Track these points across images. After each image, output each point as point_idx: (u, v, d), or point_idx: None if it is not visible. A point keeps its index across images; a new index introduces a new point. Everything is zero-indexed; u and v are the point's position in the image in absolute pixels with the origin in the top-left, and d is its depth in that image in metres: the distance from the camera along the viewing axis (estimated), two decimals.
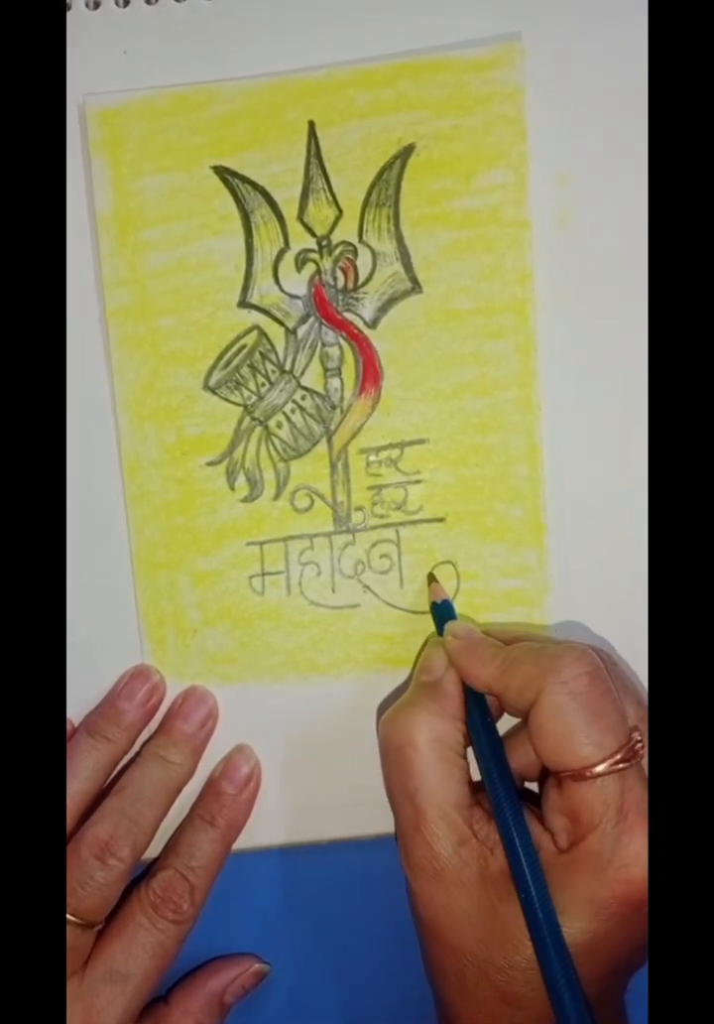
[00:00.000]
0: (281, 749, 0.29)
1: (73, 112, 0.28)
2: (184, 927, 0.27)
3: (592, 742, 0.24)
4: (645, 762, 0.24)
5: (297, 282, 0.29)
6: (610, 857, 0.23)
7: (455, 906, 0.24)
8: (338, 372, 0.29)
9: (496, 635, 0.27)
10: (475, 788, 0.26)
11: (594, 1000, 0.24)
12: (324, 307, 0.29)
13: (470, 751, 0.26)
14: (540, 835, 0.25)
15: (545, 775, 0.26)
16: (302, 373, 0.29)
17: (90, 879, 0.26)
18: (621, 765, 0.24)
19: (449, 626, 0.27)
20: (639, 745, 0.24)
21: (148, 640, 0.29)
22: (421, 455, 0.29)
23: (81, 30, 0.28)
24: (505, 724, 0.27)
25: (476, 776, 0.26)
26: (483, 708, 0.26)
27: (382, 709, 0.29)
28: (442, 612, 0.28)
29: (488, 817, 0.25)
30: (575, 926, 0.23)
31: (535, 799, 0.26)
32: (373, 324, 0.29)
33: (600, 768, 0.24)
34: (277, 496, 0.29)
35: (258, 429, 0.29)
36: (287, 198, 0.29)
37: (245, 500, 0.29)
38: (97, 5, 0.28)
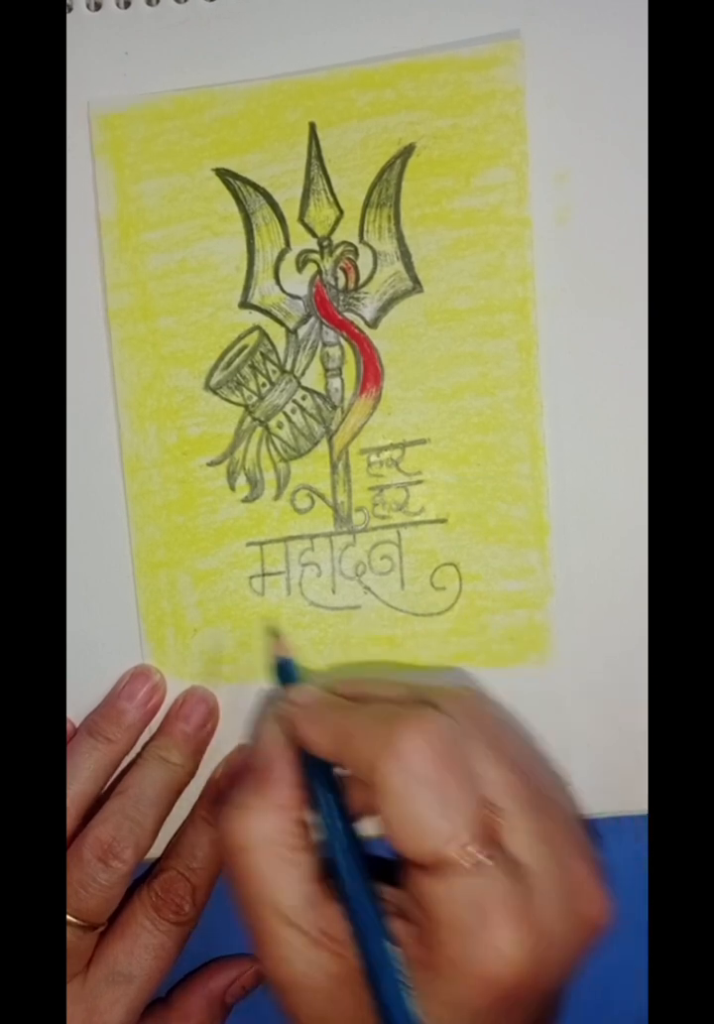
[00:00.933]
0: None
1: (73, 113, 0.28)
2: (186, 928, 0.27)
3: (441, 831, 0.21)
4: (516, 835, 0.22)
5: (298, 282, 0.29)
6: (473, 961, 0.21)
7: (310, 1009, 0.23)
8: (339, 372, 0.29)
9: (344, 690, 0.25)
10: (327, 882, 0.23)
11: None
12: (325, 307, 0.29)
13: None
14: (400, 929, 0.22)
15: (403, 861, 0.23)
16: (303, 373, 0.29)
17: (93, 881, 0.26)
18: (477, 855, 0.21)
19: (289, 692, 0.25)
20: (497, 822, 0.22)
21: (148, 640, 0.29)
22: (422, 455, 0.29)
23: (82, 32, 0.28)
24: None
25: None
26: (328, 786, 0.23)
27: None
28: (283, 671, 0.26)
29: (342, 915, 0.23)
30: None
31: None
32: (374, 324, 0.29)
33: (452, 857, 0.21)
34: (278, 496, 0.29)
35: (259, 429, 0.29)
36: (288, 199, 0.29)
37: (246, 500, 0.29)
38: (98, 7, 0.28)
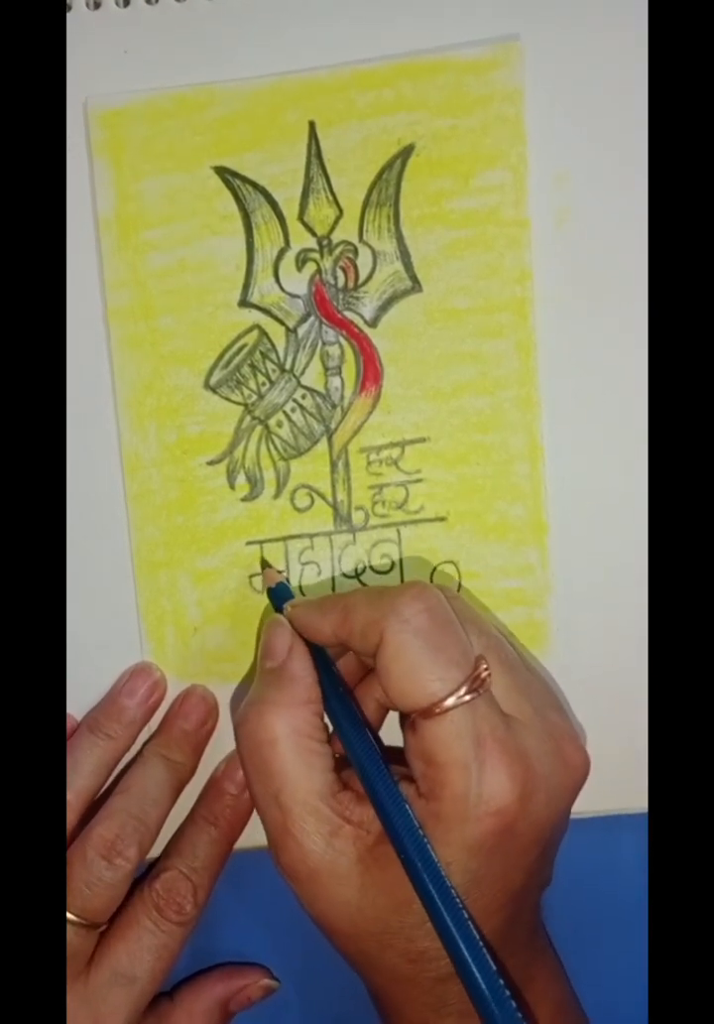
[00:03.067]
0: None
1: (72, 111, 0.28)
2: (187, 928, 0.27)
3: (437, 677, 0.23)
4: (499, 690, 0.24)
5: (298, 281, 0.29)
6: (476, 794, 0.23)
7: (338, 898, 0.24)
8: (338, 371, 0.29)
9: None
10: (342, 769, 0.25)
11: (500, 931, 0.24)
12: (324, 306, 0.29)
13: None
14: (406, 788, 0.24)
15: (403, 722, 0.25)
16: (302, 372, 0.29)
17: (97, 879, 0.26)
18: (468, 696, 0.23)
19: (290, 603, 0.27)
20: (486, 673, 0.24)
21: (148, 638, 0.29)
22: (422, 454, 0.29)
23: (82, 30, 0.28)
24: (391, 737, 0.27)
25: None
26: (330, 672, 0.26)
27: (235, 705, 0.28)
28: (280, 594, 0.28)
29: (359, 798, 0.25)
30: (456, 870, 0.23)
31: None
32: (373, 323, 0.29)
33: (449, 702, 0.23)
34: (277, 495, 0.29)
35: (258, 428, 0.29)
36: (288, 198, 0.29)
37: (245, 499, 0.29)
38: (98, 5, 0.28)
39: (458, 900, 0.23)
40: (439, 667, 0.23)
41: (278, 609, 0.28)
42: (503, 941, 0.24)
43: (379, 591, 0.25)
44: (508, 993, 0.22)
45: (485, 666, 0.24)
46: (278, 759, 0.24)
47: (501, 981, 0.22)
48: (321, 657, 0.26)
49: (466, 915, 0.23)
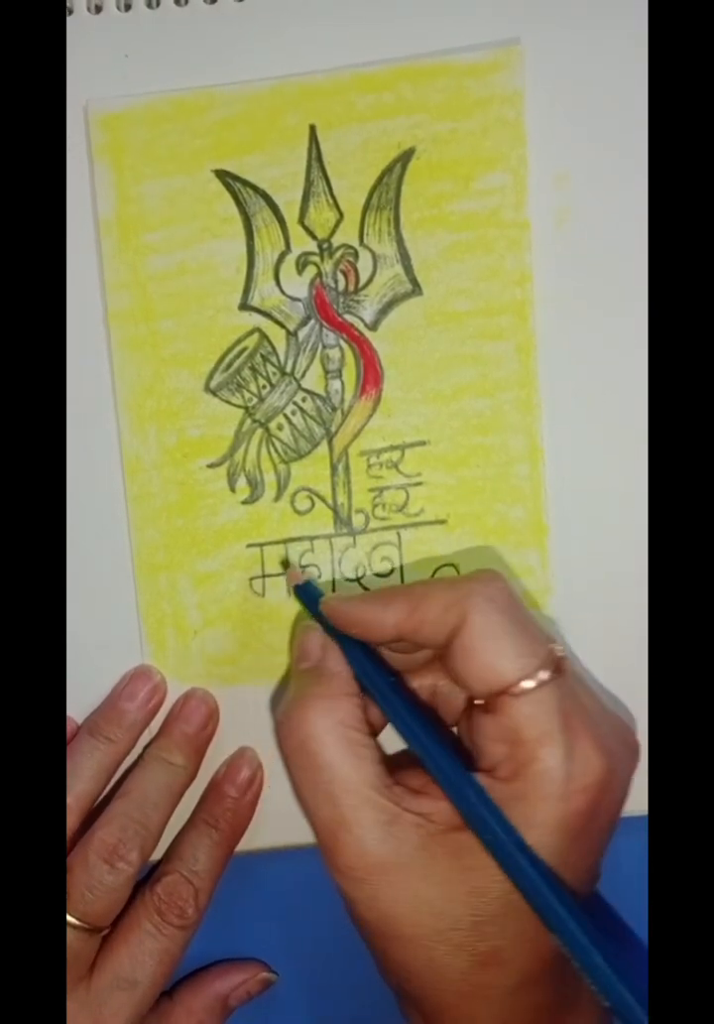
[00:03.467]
0: None
1: (73, 114, 0.28)
2: (189, 931, 0.27)
3: (526, 653, 0.23)
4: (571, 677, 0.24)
5: (298, 285, 0.29)
6: (567, 771, 0.23)
7: (402, 892, 0.23)
8: (339, 374, 0.29)
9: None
10: (389, 762, 0.25)
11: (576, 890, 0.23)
12: (325, 309, 0.29)
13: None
14: (483, 778, 0.23)
15: (467, 712, 0.25)
16: (303, 375, 0.29)
17: (99, 883, 0.26)
18: (551, 674, 0.23)
19: (324, 600, 0.26)
20: (562, 653, 0.24)
21: (148, 641, 0.29)
22: (422, 457, 0.29)
23: (82, 34, 0.28)
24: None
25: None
26: (377, 664, 0.25)
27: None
28: (307, 594, 0.27)
29: (413, 792, 0.24)
30: (544, 851, 0.23)
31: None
32: (374, 326, 0.29)
33: (540, 675, 0.23)
34: (278, 498, 0.29)
35: (259, 431, 0.29)
36: (288, 201, 0.29)
37: (246, 502, 0.29)
38: (98, 9, 0.28)
39: (554, 874, 0.22)
40: (526, 644, 0.23)
41: (306, 605, 0.27)
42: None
43: (448, 579, 0.25)
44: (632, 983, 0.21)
45: (560, 646, 0.24)
46: (327, 752, 0.24)
47: (627, 973, 0.21)
48: (364, 651, 0.25)
49: (564, 887, 0.22)
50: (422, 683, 0.27)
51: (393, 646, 0.26)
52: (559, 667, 0.24)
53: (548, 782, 0.23)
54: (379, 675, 0.25)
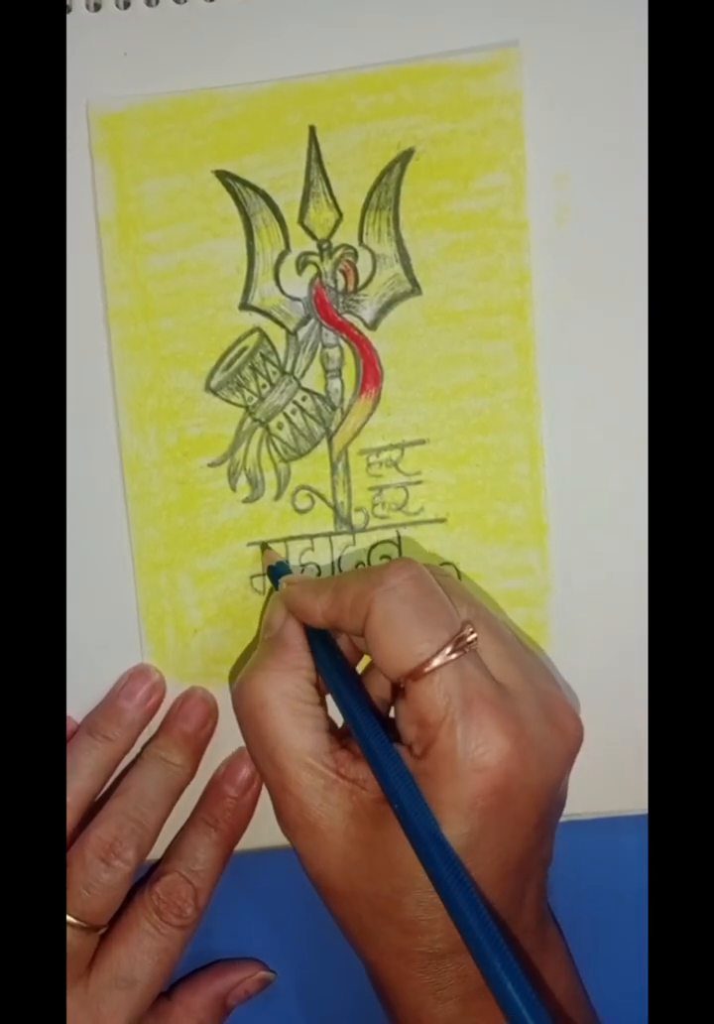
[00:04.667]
0: None
1: (73, 113, 0.28)
2: (188, 931, 0.27)
3: (424, 638, 0.24)
4: (489, 658, 0.24)
5: (298, 284, 0.29)
6: (463, 751, 0.23)
7: (335, 851, 0.24)
8: (338, 373, 0.29)
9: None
10: (341, 734, 0.26)
11: (502, 907, 0.23)
12: (325, 309, 0.29)
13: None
14: (404, 752, 0.24)
15: (395, 694, 0.25)
16: (303, 374, 0.29)
17: (95, 881, 0.26)
18: (454, 655, 0.24)
19: (284, 578, 0.28)
20: (472, 635, 0.24)
21: (148, 640, 0.29)
22: (421, 455, 0.29)
23: (81, 32, 0.28)
24: None
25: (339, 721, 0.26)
26: (328, 644, 0.26)
27: (232, 714, 0.28)
28: (278, 572, 0.28)
29: (355, 758, 0.25)
30: (451, 832, 0.23)
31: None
32: (373, 325, 0.29)
33: (436, 661, 0.23)
34: (278, 497, 0.29)
35: (259, 430, 0.29)
36: (288, 201, 0.29)
37: (246, 501, 0.29)
38: (97, 7, 0.29)
39: (455, 855, 0.23)
40: (426, 629, 0.24)
41: (275, 584, 0.28)
42: (502, 923, 0.24)
43: (365, 569, 0.26)
44: (506, 945, 0.21)
45: (471, 629, 0.24)
46: (270, 721, 0.25)
47: (499, 933, 0.22)
48: (320, 631, 0.26)
49: (462, 866, 0.22)
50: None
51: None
52: (461, 648, 0.24)
53: (448, 762, 0.23)
54: (324, 651, 0.26)
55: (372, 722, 0.25)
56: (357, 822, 0.24)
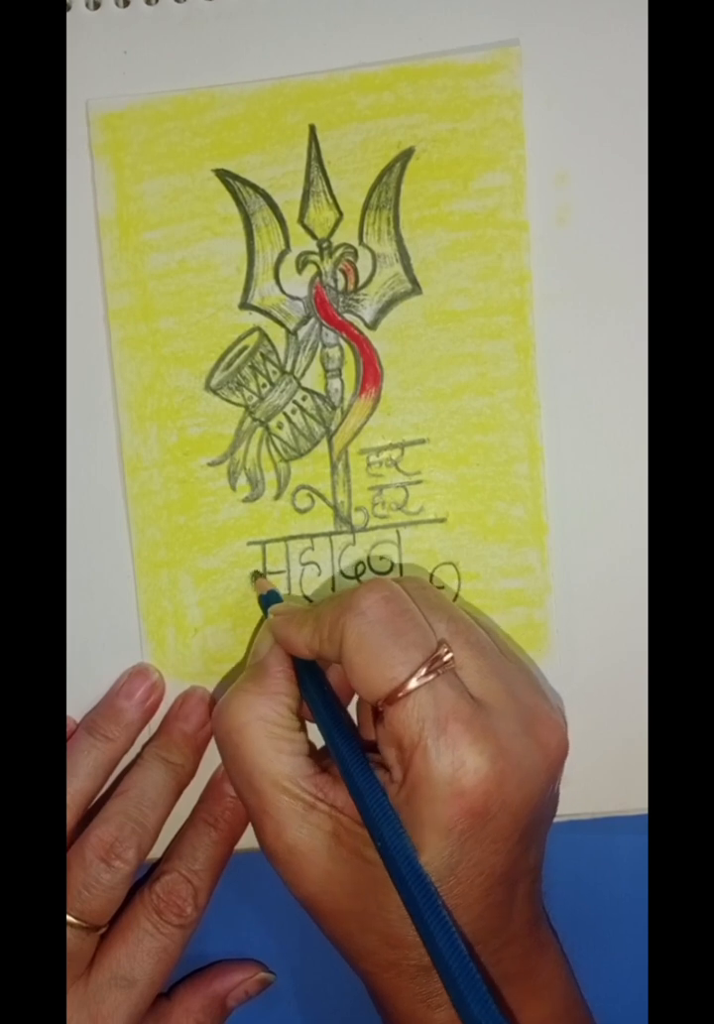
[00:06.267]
0: None
1: (73, 112, 0.28)
2: (187, 930, 0.27)
3: (398, 661, 0.24)
4: (469, 674, 0.24)
5: (298, 284, 0.29)
6: (439, 774, 0.23)
7: (317, 872, 0.24)
8: (338, 373, 0.29)
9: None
10: (321, 758, 0.26)
11: (486, 919, 0.23)
12: (325, 308, 0.29)
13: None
14: (382, 777, 0.24)
15: (376, 718, 0.25)
16: (303, 374, 0.29)
17: (95, 882, 0.26)
18: (429, 677, 0.23)
19: (272, 608, 0.28)
20: (448, 655, 0.24)
21: (148, 639, 0.29)
22: (421, 455, 0.29)
23: (81, 30, 0.28)
24: None
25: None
26: (314, 674, 0.26)
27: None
28: (269, 601, 0.28)
29: (335, 781, 0.25)
30: (430, 855, 0.23)
31: None
32: (373, 325, 0.29)
33: (411, 684, 0.23)
34: (278, 496, 0.29)
35: (259, 429, 0.29)
36: (288, 201, 0.29)
37: (246, 500, 0.29)
38: (97, 5, 0.28)
39: (430, 883, 0.23)
40: (399, 651, 0.24)
41: (265, 613, 0.28)
42: (492, 930, 0.24)
43: (340, 594, 0.25)
44: (480, 977, 0.21)
45: (447, 649, 0.24)
46: (247, 744, 0.25)
47: (473, 965, 0.22)
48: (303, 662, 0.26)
49: (439, 900, 0.22)
50: None
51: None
52: (436, 668, 0.24)
53: (425, 785, 0.23)
54: (309, 678, 0.26)
55: (351, 747, 0.25)
56: (339, 842, 0.24)
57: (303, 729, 0.26)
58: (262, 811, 0.25)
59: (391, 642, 0.24)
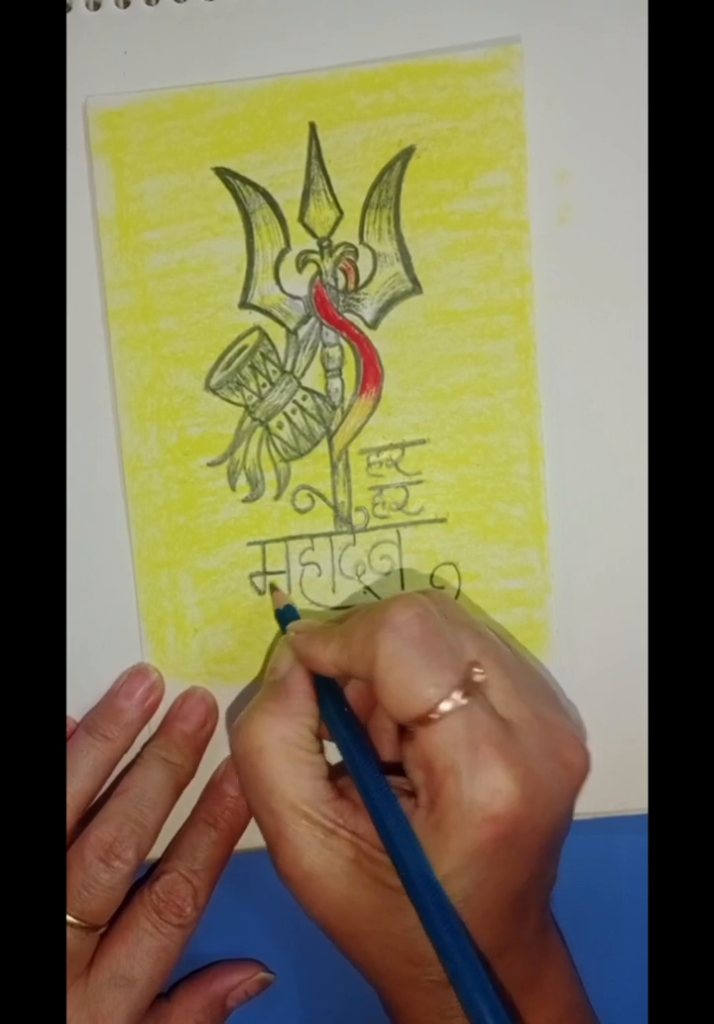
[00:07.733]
0: None
1: (72, 111, 0.28)
2: (187, 930, 0.27)
3: (431, 682, 0.23)
4: (496, 694, 0.24)
5: (298, 283, 0.29)
6: (470, 800, 0.23)
7: (335, 896, 0.24)
8: (339, 372, 0.29)
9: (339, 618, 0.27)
10: (338, 782, 0.25)
11: (504, 934, 0.24)
12: (325, 308, 0.29)
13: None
14: (406, 802, 0.24)
15: (403, 735, 0.25)
16: (303, 373, 0.29)
17: (95, 881, 0.26)
18: (463, 700, 0.23)
19: (291, 625, 0.27)
20: (480, 677, 0.24)
21: (148, 639, 0.29)
22: (422, 455, 0.29)
23: (81, 30, 0.28)
24: None
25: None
26: (335, 694, 0.26)
27: (232, 716, 0.28)
28: (286, 616, 0.28)
29: (356, 808, 0.25)
30: (456, 882, 0.23)
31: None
32: (373, 325, 0.29)
33: (444, 707, 0.23)
34: (278, 496, 0.29)
35: (259, 429, 0.29)
36: (288, 199, 0.29)
37: (246, 500, 0.29)
38: (97, 5, 0.28)
39: (453, 912, 0.23)
40: (433, 673, 0.23)
41: (283, 628, 0.28)
42: (508, 944, 0.24)
43: (369, 609, 0.25)
44: (499, 1003, 0.22)
45: (479, 670, 0.24)
46: (266, 765, 0.25)
47: (497, 999, 0.22)
48: (326, 679, 0.26)
49: (461, 929, 0.22)
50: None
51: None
52: (470, 691, 0.23)
53: (455, 812, 0.23)
54: (329, 699, 0.26)
55: (374, 774, 0.24)
56: (360, 869, 0.24)
57: (322, 750, 0.26)
58: (279, 835, 0.24)
59: (425, 663, 0.23)
